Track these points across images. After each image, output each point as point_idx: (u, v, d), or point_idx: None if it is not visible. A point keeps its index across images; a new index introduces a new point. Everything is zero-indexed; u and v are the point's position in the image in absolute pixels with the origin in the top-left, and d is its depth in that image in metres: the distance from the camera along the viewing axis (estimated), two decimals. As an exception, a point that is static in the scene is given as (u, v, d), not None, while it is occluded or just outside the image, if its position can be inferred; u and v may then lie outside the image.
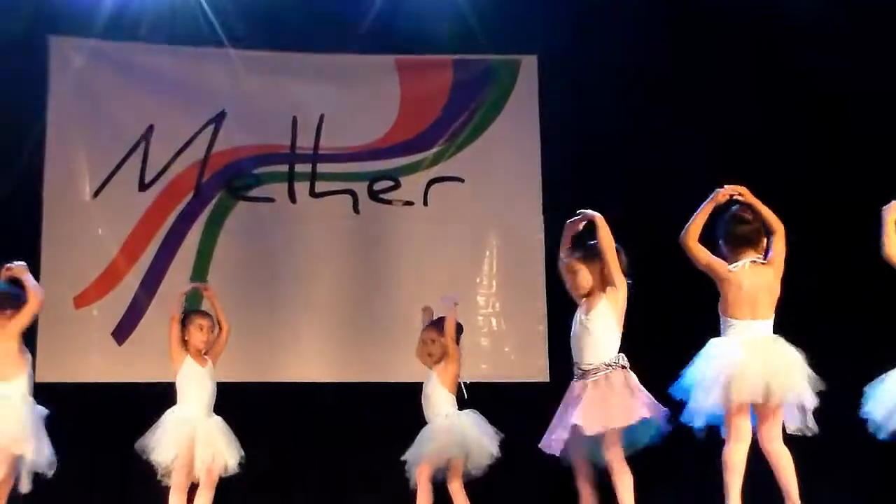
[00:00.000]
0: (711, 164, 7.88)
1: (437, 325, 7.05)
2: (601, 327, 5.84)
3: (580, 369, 5.74)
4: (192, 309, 7.14)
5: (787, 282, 6.03)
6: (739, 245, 5.66)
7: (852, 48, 8.16)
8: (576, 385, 5.80)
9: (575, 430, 5.61)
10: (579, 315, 5.95)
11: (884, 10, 8.21)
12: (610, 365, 5.75)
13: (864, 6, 8.11)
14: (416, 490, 6.71)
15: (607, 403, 5.60)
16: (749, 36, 8.36)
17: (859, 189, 7.45)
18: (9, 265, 6.40)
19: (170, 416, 6.70)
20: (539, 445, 5.92)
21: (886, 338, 6.34)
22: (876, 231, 5.78)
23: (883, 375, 5.76)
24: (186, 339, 6.80)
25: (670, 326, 7.34)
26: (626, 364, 5.86)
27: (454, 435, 6.77)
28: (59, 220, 8.09)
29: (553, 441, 5.79)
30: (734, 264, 5.63)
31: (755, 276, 5.59)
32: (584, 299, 5.94)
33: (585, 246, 5.98)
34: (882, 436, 5.72)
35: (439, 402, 6.88)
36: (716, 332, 5.75)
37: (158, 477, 6.64)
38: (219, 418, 6.79)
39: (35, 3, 7.81)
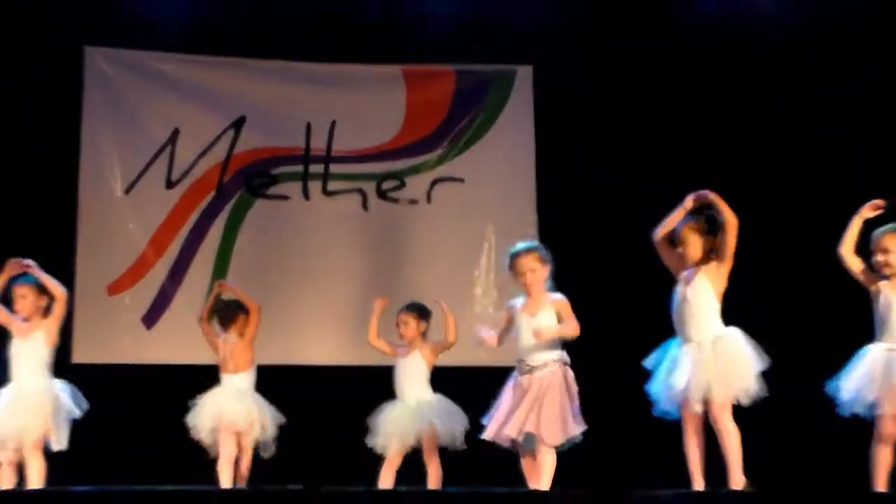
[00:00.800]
0: (693, 168, 8.04)
1: (411, 308, 7.31)
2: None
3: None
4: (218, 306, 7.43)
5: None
6: None
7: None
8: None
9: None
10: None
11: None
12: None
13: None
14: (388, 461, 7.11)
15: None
16: (737, 47, 8.54)
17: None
18: (27, 262, 6.70)
19: (210, 393, 7.12)
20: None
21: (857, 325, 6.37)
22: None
23: (852, 357, 5.97)
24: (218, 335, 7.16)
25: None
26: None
27: (420, 421, 7.08)
28: (93, 215, 8.41)
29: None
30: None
31: None
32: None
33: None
34: (846, 412, 5.93)
35: (417, 383, 7.22)
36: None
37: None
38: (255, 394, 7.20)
39: (71, 15, 8.17)
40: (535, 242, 6.48)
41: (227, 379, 7.26)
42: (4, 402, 6.64)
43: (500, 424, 6.10)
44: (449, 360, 7.66)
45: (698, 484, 5.94)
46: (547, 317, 6.08)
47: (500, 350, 7.07)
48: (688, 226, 6.02)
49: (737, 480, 5.79)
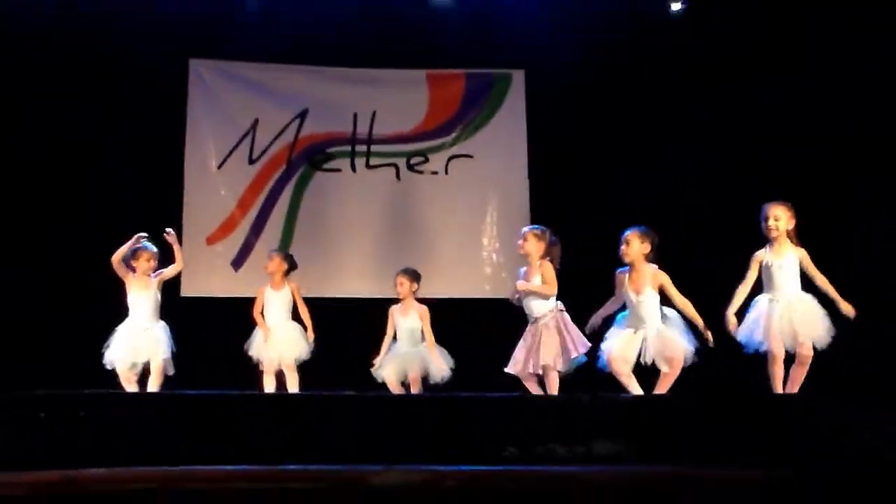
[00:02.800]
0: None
1: (406, 272, 7.93)
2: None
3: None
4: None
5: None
6: None
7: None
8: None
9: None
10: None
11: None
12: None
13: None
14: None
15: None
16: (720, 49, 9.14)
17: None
18: (168, 230, 7.57)
19: (256, 329, 7.92)
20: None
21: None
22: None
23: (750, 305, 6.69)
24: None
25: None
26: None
27: (414, 361, 7.70)
28: (195, 185, 9.28)
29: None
30: None
31: None
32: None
33: None
34: (748, 351, 6.64)
35: (413, 334, 7.82)
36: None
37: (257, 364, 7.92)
38: (293, 323, 7.92)
39: (177, 33, 9.08)
40: (537, 226, 7.10)
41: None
42: (127, 336, 7.42)
43: (522, 362, 6.83)
44: (460, 292, 8.85)
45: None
46: (536, 279, 6.85)
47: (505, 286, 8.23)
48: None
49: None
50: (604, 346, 6.76)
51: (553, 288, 6.77)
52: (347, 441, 5.30)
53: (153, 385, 7.37)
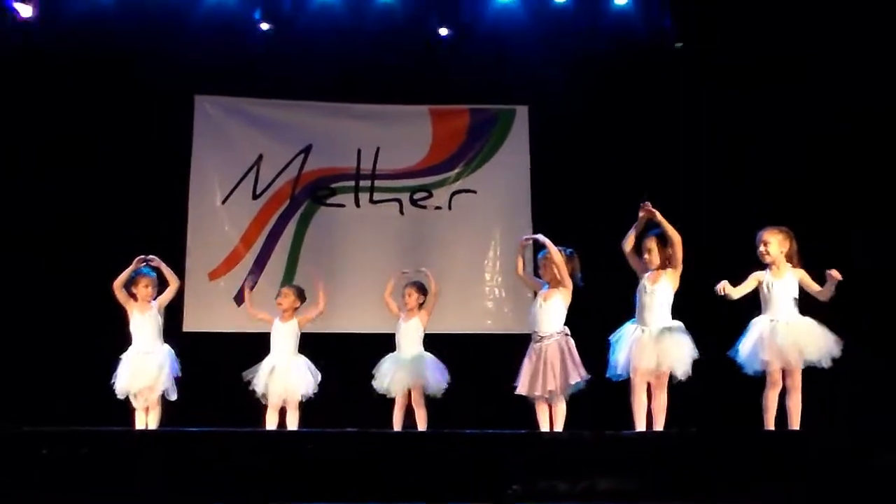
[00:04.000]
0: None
1: (414, 284, 7.99)
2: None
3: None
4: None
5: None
6: None
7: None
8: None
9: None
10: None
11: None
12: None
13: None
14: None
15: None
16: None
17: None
18: (150, 257, 7.51)
19: (265, 360, 7.83)
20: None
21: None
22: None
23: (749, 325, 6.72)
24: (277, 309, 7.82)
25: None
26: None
27: (413, 373, 7.74)
28: (199, 220, 9.35)
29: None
30: None
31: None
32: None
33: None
34: (746, 372, 6.72)
35: (413, 342, 7.85)
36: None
37: (260, 399, 7.81)
38: (301, 357, 7.86)
39: (183, 68, 9.20)
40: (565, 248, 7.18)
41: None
42: (131, 363, 7.43)
43: (528, 385, 6.98)
44: (462, 328, 8.80)
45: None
46: (556, 300, 6.99)
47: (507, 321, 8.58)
48: (650, 239, 6.77)
49: None
50: None
51: (569, 280, 6.97)
52: (349, 478, 5.30)
53: (153, 413, 7.46)
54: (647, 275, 6.80)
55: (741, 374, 6.77)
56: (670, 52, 9.30)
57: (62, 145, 9.06)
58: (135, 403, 7.48)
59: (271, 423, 7.74)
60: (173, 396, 7.51)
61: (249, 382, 7.91)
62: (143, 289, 7.53)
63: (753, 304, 6.87)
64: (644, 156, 9.28)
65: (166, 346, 7.57)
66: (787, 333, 6.62)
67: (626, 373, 6.75)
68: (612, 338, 6.87)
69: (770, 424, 6.65)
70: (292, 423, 7.77)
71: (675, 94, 9.34)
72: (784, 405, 6.70)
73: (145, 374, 7.43)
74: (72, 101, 9.10)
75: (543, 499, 5.10)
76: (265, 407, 7.79)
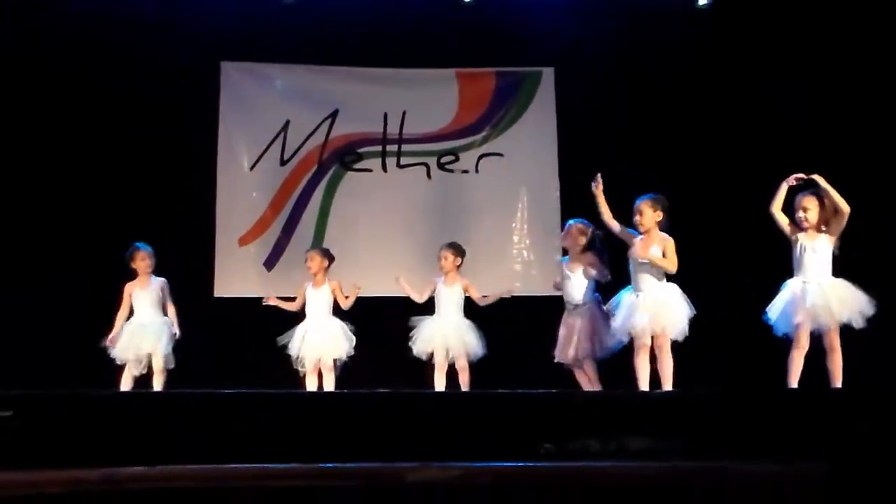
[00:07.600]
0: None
1: (450, 245, 8.12)
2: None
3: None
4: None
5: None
6: None
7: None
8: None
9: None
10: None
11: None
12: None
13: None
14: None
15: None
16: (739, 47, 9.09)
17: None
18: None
19: (299, 325, 8.03)
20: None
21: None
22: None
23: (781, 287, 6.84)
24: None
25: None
26: None
27: (457, 339, 7.91)
28: (227, 186, 9.35)
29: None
30: None
31: None
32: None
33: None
34: (776, 333, 6.84)
35: (454, 307, 8.03)
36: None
37: (295, 365, 8.02)
38: (335, 320, 8.08)
39: (208, 35, 9.16)
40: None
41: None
42: (131, 331, 7.82)
43: (563, 352, 7.35)
44: (490, 291, 8.48)
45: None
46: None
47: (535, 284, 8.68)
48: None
49: None
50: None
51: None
52: (382, 438, 5.35)
53: (157, 379, 7.74)
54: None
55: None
56: (698, 11, 9.22)
57: (85, 114, 9.11)
58: (130, 371, 7.84)
59: (311, 386, 7.91)
60: (171, 365, 7.83)
61: (284, 347, 8.06)
62: (141, 262, 7.91)
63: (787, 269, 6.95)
64: (671, 116, 9.30)
65: (165, 318, 7.92)
66: (818, 294, 6.67)
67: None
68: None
69: (794, 384, 6.70)
70: (329, 386, 7.90)
71: (703, 54, 9.33)
72: (817, 367, 6.73)
73: (145, 344, 7.79)
74: (98, 68, 9.11)
75: (576, 457, 5.14)
76: (301, 372, 7.97)
